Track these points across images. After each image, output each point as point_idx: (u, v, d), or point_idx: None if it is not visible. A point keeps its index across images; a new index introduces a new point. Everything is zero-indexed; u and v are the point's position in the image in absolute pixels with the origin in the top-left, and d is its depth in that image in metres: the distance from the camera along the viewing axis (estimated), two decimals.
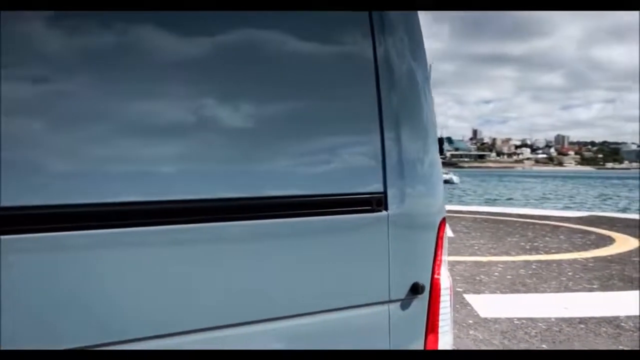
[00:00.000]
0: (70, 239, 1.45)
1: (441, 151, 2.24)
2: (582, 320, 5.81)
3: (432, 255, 2.05)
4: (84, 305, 1.47)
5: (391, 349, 1.95)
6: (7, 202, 1.36)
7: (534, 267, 8.63)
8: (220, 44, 1.73)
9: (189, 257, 1.64)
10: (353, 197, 1.91)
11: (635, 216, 18.77)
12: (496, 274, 8.04)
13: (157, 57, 1.62)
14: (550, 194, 46.98)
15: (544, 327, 5.58)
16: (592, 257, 9.57)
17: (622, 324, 5.71)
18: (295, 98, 1.84)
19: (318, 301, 1.84)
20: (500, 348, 4.93)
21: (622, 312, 6.15)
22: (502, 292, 7.02)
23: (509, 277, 7.87)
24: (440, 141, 2.26)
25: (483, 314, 5.94)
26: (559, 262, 9.05)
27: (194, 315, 1.65)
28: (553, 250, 10.33)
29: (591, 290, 7.25)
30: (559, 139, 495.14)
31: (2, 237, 1.36)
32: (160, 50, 1.62)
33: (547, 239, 11.91)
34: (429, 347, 2.03)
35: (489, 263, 8.87)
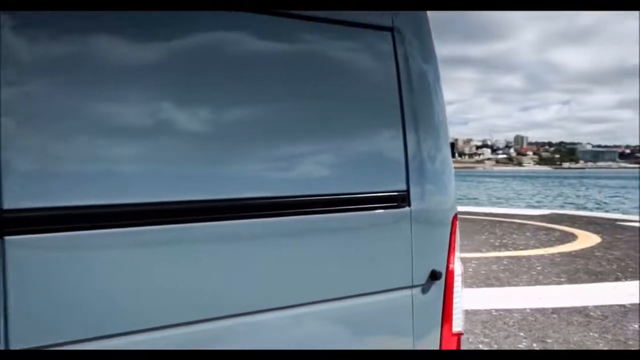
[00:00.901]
0: (85, 238, 1.59)
1: (453, 155, 2.51)
2: (555, 311, 6.21)
3: (447, 246, 2.33)
4: (115, 297, 1.63)
5: (415, 327, 2.23)
6: (22, 205, 1.50)
7: (505, 262, 9.06)
8: (268, 54, 1.95)
9: (241, 249, 1.87)
10: (381, 195, 2.17)
11: (593, 214, 19.62)
12: (470, 269, 8.42)
13: (190, 63, 1.79)
14: (512, 193, 48.25)
15: (520, 317, 5.96)
16: (558, 253, 10.08)
17: (591, 313, 6.13)
18: (334, 110, 2.09)
19: (353, 286, 2.10)
20: (482, 336, 5.27)
21: (589, 302, 6.59)
22: (478, 286, 7.39)
23: (483, 272, 8.26)
24: (452, 145, 2.53)
25: None
26: (528, 258, 9.51)
27: (243, 299, 1.88)
28: (521, 247, 10.81)
29: (560, 283, 7.70)
30: (518, 140, 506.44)
31: (17, 237, 1.49)
32: (194, 59, 1.80)
33: (514, 236, 12.42)
34: (445, 327, 2.31)
35: (463, 259, 9.18)
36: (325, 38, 2.09)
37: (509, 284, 7.55)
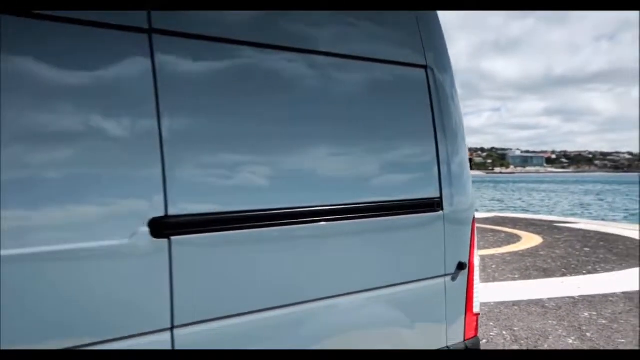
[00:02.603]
0: (230, 237, 2.05)
1: (471, 168, 3.05)
2: (515, 303, 6.93)
3: (469, 241, 2.87)
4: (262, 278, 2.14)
5: (447, 307, 2.75)
6: (182, 211, 1.94)
7: None
8: (343, 91, 2.45)
9: (322, 247, 2.35)
10: (421, 201, 2.69)
11: (531, 216, 20.95)
12: None
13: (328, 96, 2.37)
14: None
15: (486, 309, 6.62)
16: (508, 253, 10.93)
17: (546, 305, 6.89)
18: (388, 135, 2.59)
19: (403, 275, 2.61)
20: None
21: (543, 295, 7.36)
22: None
23: None
24: (471, 161, 3.08)
25: None
26: (481, 258, 10.29)
27: (326, 286, 2.35)
28: None
29: (514, 279, 8.47)
30: None
31: (179, 237, 1.93)
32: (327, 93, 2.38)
33: None
34: (468, 308, 2.85)
35: None
36: (378, 75, 2.59)
37: None
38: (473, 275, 2.89)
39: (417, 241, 2.67)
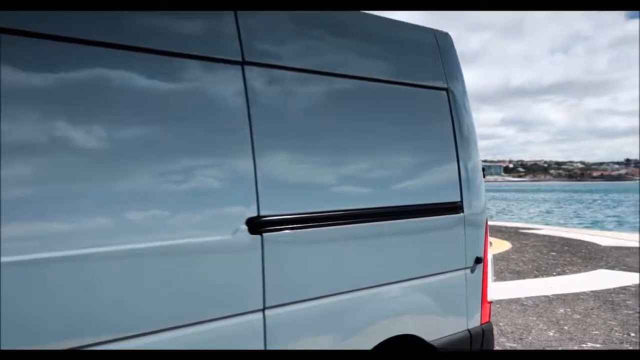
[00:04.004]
0: (311, 234, 2.49)
1: (484, 175, 3.52)
2: (496, 302, 7.45)
3: (483, 239, 3.34)
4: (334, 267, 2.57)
5: (467, 296, 3.20)
6: (272, 212, 2.34)
7: None
8: (377, 113, 2.88)
9: (372, 244, 2.78)
10: (446, 204, 3.14)
11: (496, 222, 21.82)
12: None
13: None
14: None
15: None
16: None
17: (524, 303, 7.46)
18: (416, 147, 3.05)
19: (433, 267, 3.05)
20: None
21: (520, 295, 7.94)
22: None
23: None
24: (483, 169, 3.55)
25: None
26: None
27: (370, 277, 2.77)
28: None
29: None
30: None
31: (270, 234, 2.33)
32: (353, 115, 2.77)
33: None
34: (484, 296, 3.31)
35: None
36: (413, 98, 3.05)
37: None
38: (487, 269, 3.35)
39: (443, 239, 3.13)
